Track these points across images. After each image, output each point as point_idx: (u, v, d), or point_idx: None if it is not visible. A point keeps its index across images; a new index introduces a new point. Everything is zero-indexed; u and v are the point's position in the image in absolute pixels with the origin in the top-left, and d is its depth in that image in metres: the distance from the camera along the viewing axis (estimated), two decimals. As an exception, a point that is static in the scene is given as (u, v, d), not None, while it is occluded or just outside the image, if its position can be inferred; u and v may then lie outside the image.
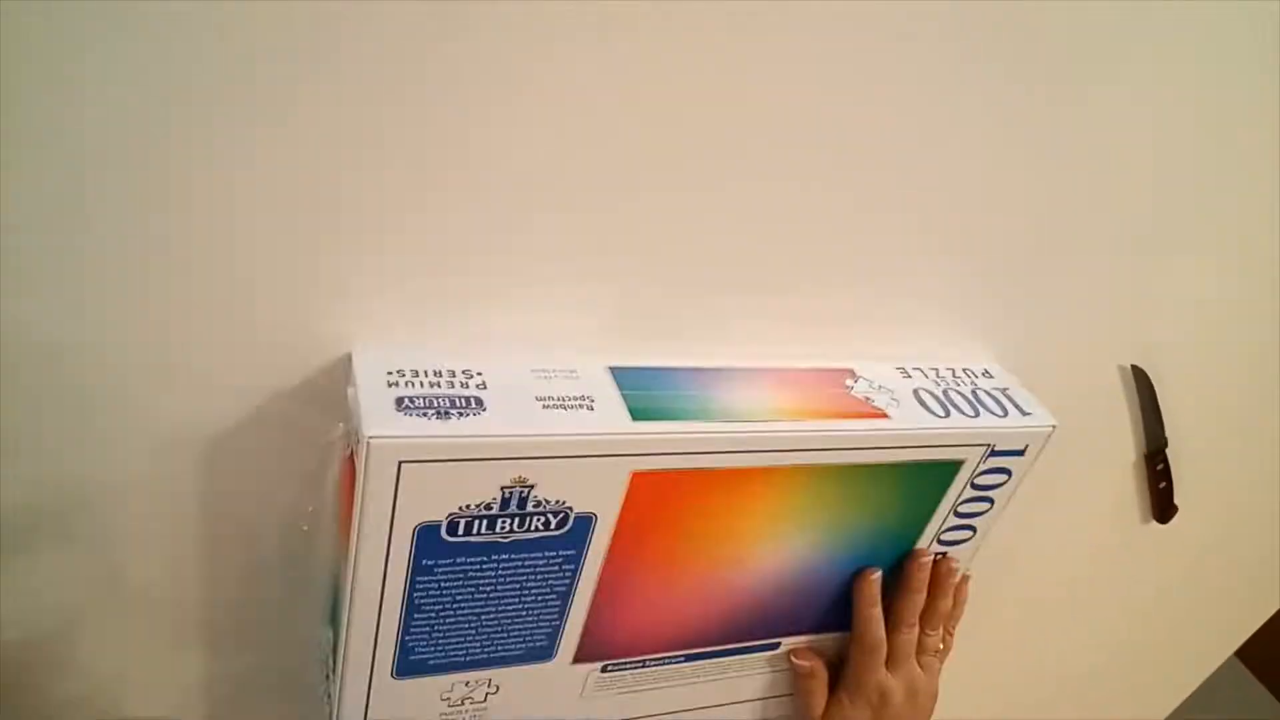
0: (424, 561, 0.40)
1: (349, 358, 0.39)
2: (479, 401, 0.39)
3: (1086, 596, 0.76)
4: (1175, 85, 0.47)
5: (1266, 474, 0.75)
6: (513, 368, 0.41)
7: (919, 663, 0.56)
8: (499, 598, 0.43)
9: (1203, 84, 0.47)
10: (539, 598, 0.44)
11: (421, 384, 0.39)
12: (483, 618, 0.44)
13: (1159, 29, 0.44)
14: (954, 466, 0.50)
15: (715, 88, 0.38)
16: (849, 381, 0.49)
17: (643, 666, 0.52)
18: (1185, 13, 0.44)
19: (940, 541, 0.54)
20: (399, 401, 0.37)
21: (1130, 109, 0.47)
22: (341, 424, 0.39)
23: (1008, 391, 0.51)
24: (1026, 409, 0.50)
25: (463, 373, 0.40)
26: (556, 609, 0.45)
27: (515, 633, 0.45)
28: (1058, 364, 0.55)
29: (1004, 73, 0.42)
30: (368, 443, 0.35)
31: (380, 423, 0.36)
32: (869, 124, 0.42)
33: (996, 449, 0.49)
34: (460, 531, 0.40)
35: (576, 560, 0.44)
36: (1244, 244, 0.57)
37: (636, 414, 0.41)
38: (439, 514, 0.39)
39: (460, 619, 0.43)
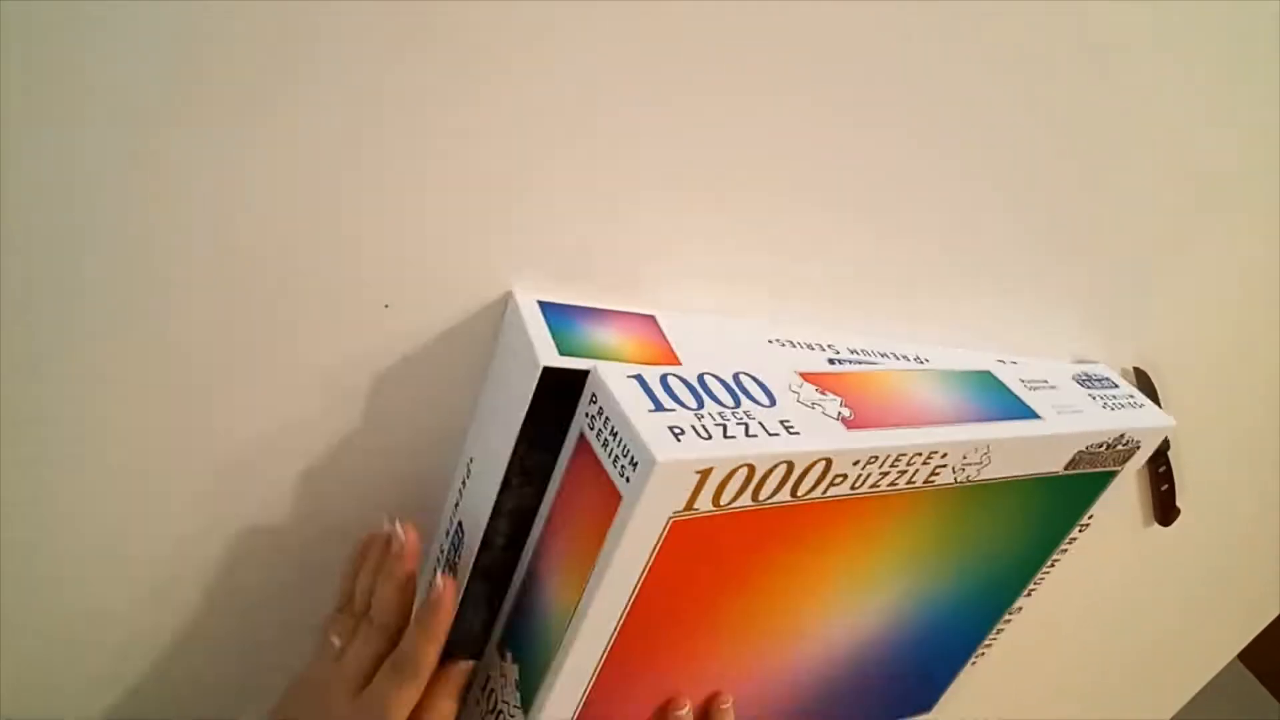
0: None
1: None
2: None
3: (1089, 599, 0.75)
4: (1180, 91, 0.47)
5: (1269, 476, 0.75)
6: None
7: None
8: None
9: (1210, 90, 0.47)
10: None
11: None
12: None
13: (1163, 32, 0.44)
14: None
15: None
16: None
17: None
18: (1190, 14, 0.44)
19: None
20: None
21: (1134, 113, 0.47)
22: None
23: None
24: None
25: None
26: None
27: None
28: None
29: (1001, 79, 0.42)
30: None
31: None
32: (868, 149, 0.42)
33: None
34: None
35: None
36: (1246, 246, 0.57)
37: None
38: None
39: None
